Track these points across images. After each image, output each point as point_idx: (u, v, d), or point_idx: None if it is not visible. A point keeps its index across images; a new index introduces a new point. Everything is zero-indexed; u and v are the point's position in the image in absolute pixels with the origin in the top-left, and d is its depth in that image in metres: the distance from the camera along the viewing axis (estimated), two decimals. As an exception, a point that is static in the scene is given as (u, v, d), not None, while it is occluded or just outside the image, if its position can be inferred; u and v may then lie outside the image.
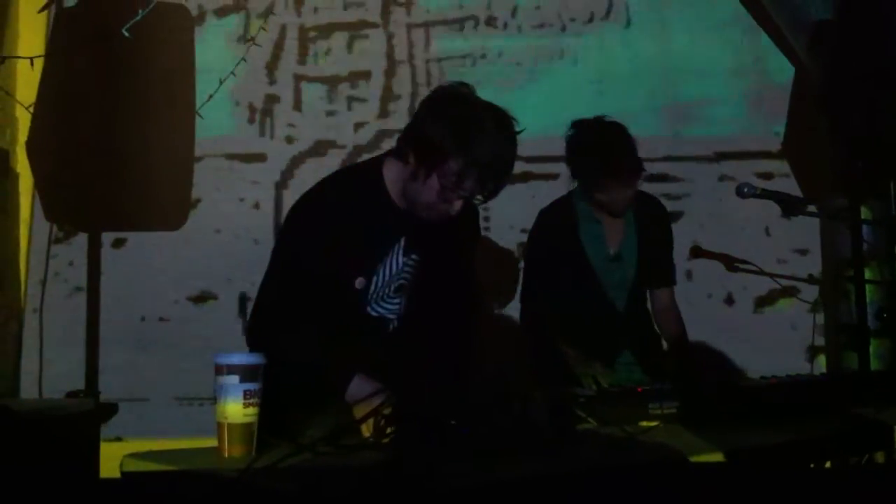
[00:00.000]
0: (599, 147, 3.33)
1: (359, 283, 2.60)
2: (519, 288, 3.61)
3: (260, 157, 4.86)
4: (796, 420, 2.48)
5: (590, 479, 1.94)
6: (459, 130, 2.45)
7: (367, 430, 2.21)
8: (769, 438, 2.30)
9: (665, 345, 3.58)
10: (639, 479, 1.98)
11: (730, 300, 4.78)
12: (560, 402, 2.42)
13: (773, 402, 2.54)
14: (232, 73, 4.25)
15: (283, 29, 4.94)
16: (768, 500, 2.16)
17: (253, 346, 2.46)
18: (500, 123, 2.49)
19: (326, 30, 4.96)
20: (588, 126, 3.39)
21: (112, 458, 2.06)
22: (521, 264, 3.82)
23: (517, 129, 2.51)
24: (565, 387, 2.92)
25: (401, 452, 2.05)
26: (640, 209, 3.47)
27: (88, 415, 3.89)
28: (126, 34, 3.53)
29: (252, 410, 2.05)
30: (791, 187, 4.68)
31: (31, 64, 4.00)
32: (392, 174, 2.61)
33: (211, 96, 4.24)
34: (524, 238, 3.71)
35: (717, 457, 2.08)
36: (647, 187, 3.54)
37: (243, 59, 4.31)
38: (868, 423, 2.57)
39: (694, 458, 2.06)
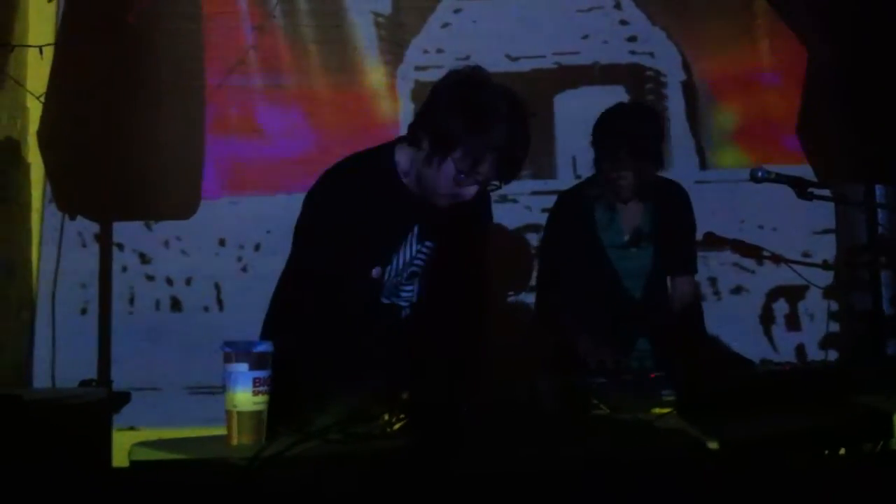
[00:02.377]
0: (610, 124, 3.33)
1: (375, 272, 2.59)
2: (534, 274, 3.60)
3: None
4: (809, 407, 2.45)
5: (597, 473, 1.92)
6: (475, 115, 2.43)
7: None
8: (782, 426, 2.28)
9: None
10: (647, 474, 1.96)
11: (742, 287, 4.74)
12: (573, 388, 2.40)
13: (787, 389, 2.52)
14: (241, 60, 4.24)
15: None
16: (781, 488, 2.15)
17: (269, 337, 2.44)
18: (514, 107, 2.47)
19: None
20: (616, 106, 3.42)
21: (125, 448, 2.05)
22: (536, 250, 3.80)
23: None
24: (578, 375, 2.90)
25: (412, 440, 2.04)
26: (660, 195, 3.44)
27: (101, 404, 3.89)
28: (133, 22, 3.52)
29: (261, 398, 2.04)
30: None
31: (41, 53, 4.01)
32: (405, 160, 2.60)
33: (220, 84, 4.23)
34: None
35: (715, 445, 2.06)
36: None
37: (253, 46, 4.31)
38: (881, 409, 2.55)
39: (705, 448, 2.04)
